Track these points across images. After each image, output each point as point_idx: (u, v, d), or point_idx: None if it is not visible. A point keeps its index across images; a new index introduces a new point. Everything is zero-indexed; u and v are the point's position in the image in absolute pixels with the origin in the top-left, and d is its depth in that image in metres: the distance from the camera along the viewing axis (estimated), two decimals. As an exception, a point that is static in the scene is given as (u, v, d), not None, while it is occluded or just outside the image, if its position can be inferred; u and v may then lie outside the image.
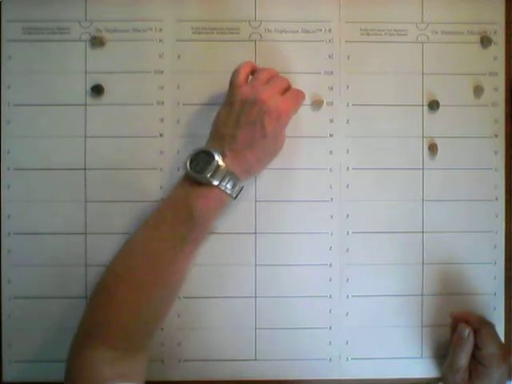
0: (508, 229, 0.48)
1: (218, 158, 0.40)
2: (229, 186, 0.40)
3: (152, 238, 0.41)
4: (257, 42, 0.47)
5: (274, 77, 0.44)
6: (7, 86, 0.47)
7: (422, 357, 0.48)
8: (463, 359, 0.43)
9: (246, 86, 0.42)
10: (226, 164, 0.40)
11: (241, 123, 0.41)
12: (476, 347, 0.43)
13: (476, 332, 0.44)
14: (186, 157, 0.41)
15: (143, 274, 0.40)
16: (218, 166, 0.40)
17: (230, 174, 0.40)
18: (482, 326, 0.44)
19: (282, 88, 0.43)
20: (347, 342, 0.48)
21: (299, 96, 0.45)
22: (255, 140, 0.41)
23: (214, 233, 0.47)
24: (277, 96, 0.42)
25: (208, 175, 0.39)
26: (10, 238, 0.47)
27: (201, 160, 0.40)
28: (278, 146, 0.43)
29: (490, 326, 0.44)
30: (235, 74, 0.43)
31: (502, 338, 0.47)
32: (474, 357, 0.44)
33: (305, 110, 0.47)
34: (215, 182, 0.40)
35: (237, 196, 0.42)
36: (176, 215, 0.40)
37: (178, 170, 0.47)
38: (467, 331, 0.43)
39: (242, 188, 0.42)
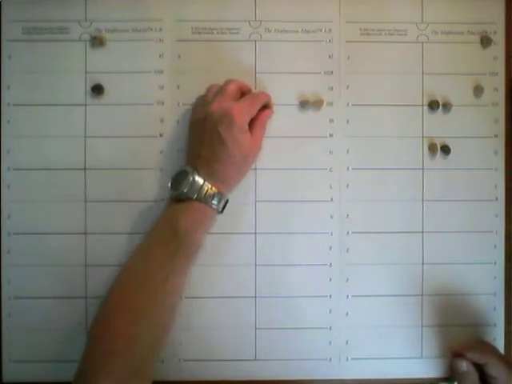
0: (508, 229, 0.48)
1: (191, 173, 0.42)
2: (211, 199, 0.42)
3: (143, 261, 0.42)
4: (257, 42, 0.47)
5: (227, 86, 0.44)
6: (7, 86, 0.47)
7: (422, 357, 0.48)
8: None
9: (199, 105, 0.45)
10: (202, 178, 0.42)
11: (201, 140, 0.42)
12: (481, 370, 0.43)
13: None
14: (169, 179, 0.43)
15: (137, 301, 0.40)
16: (194, 181, 0.41)
17: (206, 187, 0.42)
18: (482, 356, 0.43)
19: (232, 94, 0.43)
20: (347, 342, 0.48)
21: (256, 98, 0.45)
22: (218, 151, 0.42)
23: (213, 233, 0.47)
24: (225, 103, 0.42)
25: (184, 190, 0.41)
26: (10, 237, 0.47)
27: (180, 179, 0.42)
28: (246, 152, 0.43)
29: (490, 351, 0.44)
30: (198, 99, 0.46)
31: (502, 339, 0.47)
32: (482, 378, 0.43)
33: (305, 110, 0.47)
34: (193, 196, 0.41)
35: (223, 209, 0.43)
36: (163, 234, 0.42)
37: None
38: (464, 365, 0.43)
39: (226, 201, 0.43)
